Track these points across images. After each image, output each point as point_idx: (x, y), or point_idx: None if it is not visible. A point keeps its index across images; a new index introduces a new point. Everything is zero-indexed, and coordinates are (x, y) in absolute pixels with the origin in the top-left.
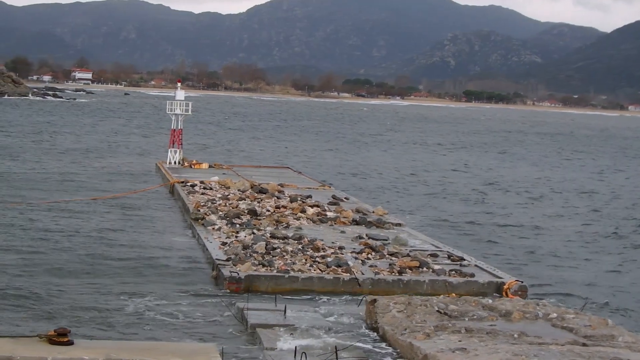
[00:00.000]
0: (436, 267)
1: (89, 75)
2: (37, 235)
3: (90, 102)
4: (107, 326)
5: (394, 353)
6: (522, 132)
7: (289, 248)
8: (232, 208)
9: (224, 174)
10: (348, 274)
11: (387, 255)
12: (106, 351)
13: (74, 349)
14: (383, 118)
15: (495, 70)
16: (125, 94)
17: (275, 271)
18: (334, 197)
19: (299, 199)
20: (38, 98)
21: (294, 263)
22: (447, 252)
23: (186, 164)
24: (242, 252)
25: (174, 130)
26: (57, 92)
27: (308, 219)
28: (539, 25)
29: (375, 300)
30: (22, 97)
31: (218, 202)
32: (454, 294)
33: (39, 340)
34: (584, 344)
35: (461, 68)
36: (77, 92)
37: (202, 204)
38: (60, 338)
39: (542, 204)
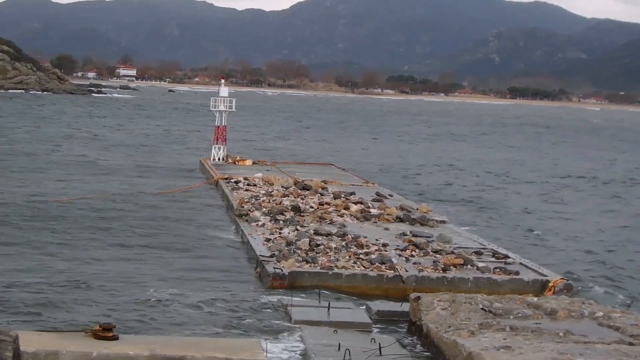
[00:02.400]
0: (480, 264)
1: (133, 72)
2: (78, 229)
3: (133, 98)
4: (151, 321)
5: (438, 351)
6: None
7: (333, 245)
8: (276, 204)
9: (267, 170)
10: (392, 271)
11: (431, 253)
12: (151, 346)
13: (119, 343)
14: (427, 114)
15: (540, 67)
16: (169, 90)
17: (318, 268)
18: (377, 194)
19: (343, 195)
20: (83, 95)
21: (337, 260)
22: (492, 249)
23: (230, 160)
24: (286, 248)
25: (218, 126)
26: (101, 89)
27: (352, 215)
28: (584, 21)
29: (419, 298)
30: (68, 94)
31: (262, 199)
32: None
33: (84, 335)
34: (631, 343)
35: (505, 64)
36: (121, 89)
37: (245, 200)
38: (106, 333)
39: (593, 199)
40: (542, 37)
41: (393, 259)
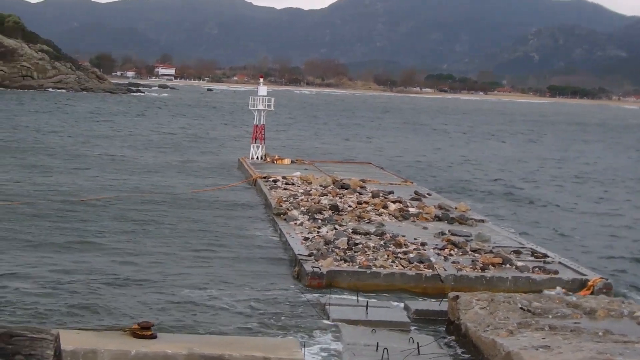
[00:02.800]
0: (519, 263)
1: (172, 71)
2: (116, 228)
3: (171, 97)
4: (189, 320)
5: (476, 350)
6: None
7: (371, 244)
8: (314, 203)
9: (305, 169)
10: (430, 270)
11: (469, 252)
12: (189, 345)
13: (157, 342)
14: (468, 113)
15: (580, 65)
16: (208, 89)
17: (357, 267)
18: (416, 192)
19: (381, 194)
20: (122, 93)
21: (375, 259)
22: (531, 248)
23: (268, 159)
24: (324, 247)
25: (257, 125)
26: (139, 88)
27: (390, 214)
28: (624, 19)
29: (457, 297)
30: (107, 93)
31: (300, 198)
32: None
33: (123, 333)
34: None
35: (545, 63)
36: (160, 88)
37: (284, 199)
38: (144, 331)
39: (632, 197)
40: (581, 35)
41: (431, 258)
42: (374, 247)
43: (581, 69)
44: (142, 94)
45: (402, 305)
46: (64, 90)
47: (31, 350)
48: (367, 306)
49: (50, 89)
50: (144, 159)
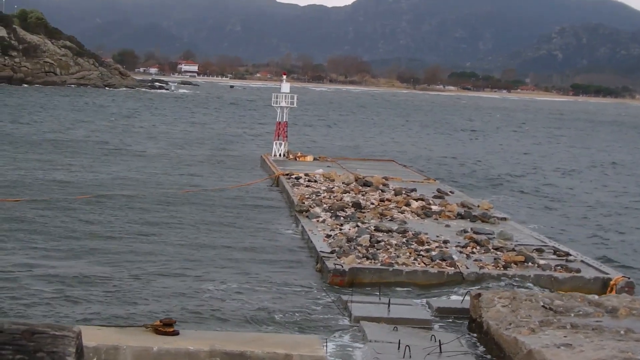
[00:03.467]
0: (541, 262)
1: (195, 68)
2: (138, 224)
3: (194, 94)
4: (211, 317)
5: (498, 348)
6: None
7: (393, 241)
8: (337, 201)
9: (328, 166)
10: (452, 268)
11: (492, 250)
12: (211, 342)
13: (180, 339)
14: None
15: (603, 64)
16: (231, 86)
17: (379, 264)
18: (438, 190)
19: (404, 192)
20: (144, 89)
21: (398, 256)
22: (553, 247)
23: (291, 156)
24: (346, 244)
25: (279, 122)
26: (162, 85)
27: (412, 212)
28: None
29: (479, 295)
30: (130, 89)
31: (322, 195)
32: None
33: (145, 330)
34: None
35: (568, 61)
36: (182, 85)
37: (306, 196)
38: (166, 328)
39: None
40: (605, 34)
41: (454, 256)
42: (396, 245)
43: (605, 67)
44: (165, 90)
45: (424, 302)
46: (91, 87)
47: (53, 347)
48: (389, 304)
49: (73, 85)
50: (165, 156)
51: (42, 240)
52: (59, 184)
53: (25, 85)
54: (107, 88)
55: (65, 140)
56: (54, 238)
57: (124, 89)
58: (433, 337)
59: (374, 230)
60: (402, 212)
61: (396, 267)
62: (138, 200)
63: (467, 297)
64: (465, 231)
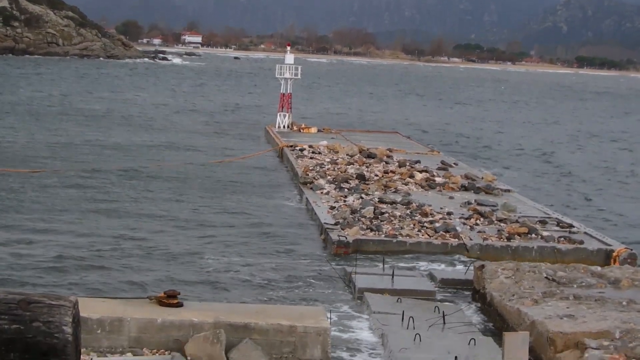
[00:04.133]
0: (545, 233)
1: (199, 39)
2: (142, 197)
3: (198, 65)
4: (215, 288)
5: (501, 319)
6: None
7: (397, 213)
8: (341, 172)
9: (332, 138)
10: (456, 240)
11: (495, 221)
12: (215, 314)
13: (184, 310)
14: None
15: (608, 37)
16: (235, 57)
17: (383, 236)
18: (442, 162)
19: (408, 164)
20: (147, 60)
21: (402, 228)
22: (556, 218)
23: (295, 128)
24: (350, 216)
25: (283, 94)
26: (166, 56)
27: (416, 184)
28: None
29: (483, 266)
30: (133, 60)
31: (326, 167)
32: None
33: (149, 302)
34: None
35: (573, 34)
36: (186, 56)
37: (310, 168)
38: (170, 300)
39: None
40: (610, 6)
41: (457, 228)
42: (400, 217)
43: (610, 40)
44: (169, 61)
45: (427, 274)
46: (99, 57)
47: (49, 317)
48: (392, 275)
49: (76, 57)
50: (168, 127)
51: (43, 211)
52: (62, 155)
53: (27, 56)
54: (110, 59)
55: (70, 111)
56: (55, 210)
57: (127, 60)
58: (437, 308)
59: (378, 202)
60: (406, 184)
61: (400, 238)
62: (141, 173)
63: (471, 269)
64: (469, 203)
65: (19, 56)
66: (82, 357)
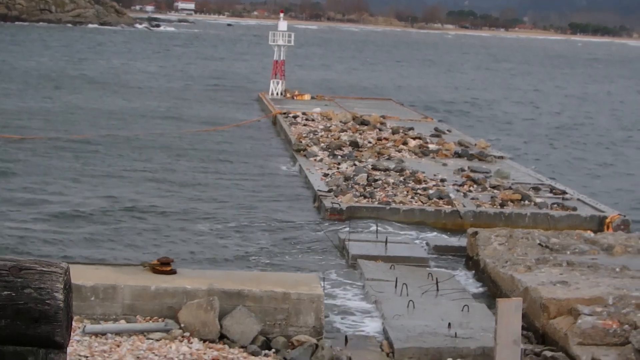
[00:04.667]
0: (538, 200)
1: (192, 6)
2: (137, 164)
3: (191, 32)
4: (209, 256)
5: (494, 285)
6: None
7: (391, 180)
8: (334, 140)
9: (326, 105)
10: (449, 207)
11: (489, 188)
12: (209, 281)
13: (177, 278)
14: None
15: (603, 3)
16: (228, 24)
17: (376, 203)
18: (436, 129)
19: (401, 131)
20: (140, 27)
21: (395, 195)
22: (550, 185)
23: (288, 95)
24: (344, 183)
25: (277, 61)
26: (159, 23)
27: (410, 151)
28: None
29: (476, 233)
30: (127, 27)
31: (320, 134)
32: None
33: (143, 269)
34: None
35: (568, 0)
36: (179, 23)
37: (304, 135)
38: (164, 267)
39: None
40: None
41: (451, 195)
42: (393, 184)
43: (604, 6)
44: (161, 28)
45: (421, 241)
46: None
47: (41, 283)
48: (386, 242)
49: (70, 24)
50: (162, 94)
51: (35, 178)
52: (53, 121)
53: (20, 23)
54: (103, 26)
55: (63, 76)
56: (47, 176)
57: (120, 27)
58: (430, 275)
59: (372, 169)
60: (399, 151)
61: (393, 205)
62: (133, 140)
63: (464, 236)
64: (462, 170)
65: (12, 23)
66: (75, 324)
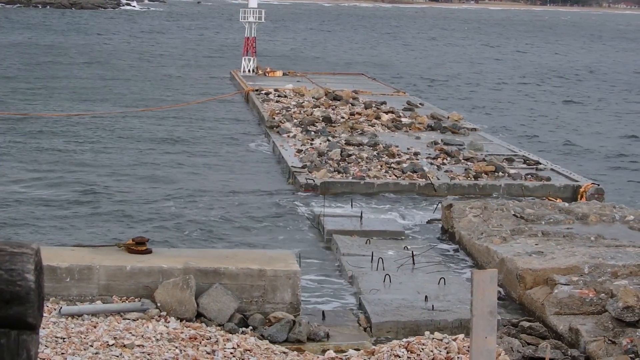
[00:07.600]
0: (512, 171)
1: None
2: (105, 143)
3: (161, 11)
4: (184, 235)
5: (471, 257)
6: None
7: (364, 154)
8: (307, 115)
9: (298, 81)
10: (424, 180)
11: (462, 160)
12: (184, 259)
13: (153, 257)
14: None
15: None
16: (197, 2)
17: (350, 178)
18: (408, 103)
19: (374, 105)
20: (112, 8)
21: (369, 169)
22: (523, 156)
23: (260, 72)
24: (318, 159)
25: (248, 38)
26: (129, 1)
27: (383, 125)
28: None
29: (451, 205)
30: (98, 8)
31: (293, 110)
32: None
33: (118, 249)
34: None
35: None
36: (150, 2)
37: (277, 111)
38: (139, 247)
39: (615, 100)
40: None
41: (425, 168)
42: (367, 158)
43: None
44: (132, 7)
45: (396, 214)
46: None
47: (11, 265)
48: (361, 217)
49: (39, 5)
50: (132, 72)
51: (8, 162)
52: (27, 100)
53: None
54: (73, 8)
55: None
56: (19, 160)
57: (91, 8)
58: (406, 248)
59: (345, 144)
60: (372, 125)
61: (367, 180)
62: (105, 119)
63: (439, 208)
64: (435, 143)
65: None
66: (51, 306)
